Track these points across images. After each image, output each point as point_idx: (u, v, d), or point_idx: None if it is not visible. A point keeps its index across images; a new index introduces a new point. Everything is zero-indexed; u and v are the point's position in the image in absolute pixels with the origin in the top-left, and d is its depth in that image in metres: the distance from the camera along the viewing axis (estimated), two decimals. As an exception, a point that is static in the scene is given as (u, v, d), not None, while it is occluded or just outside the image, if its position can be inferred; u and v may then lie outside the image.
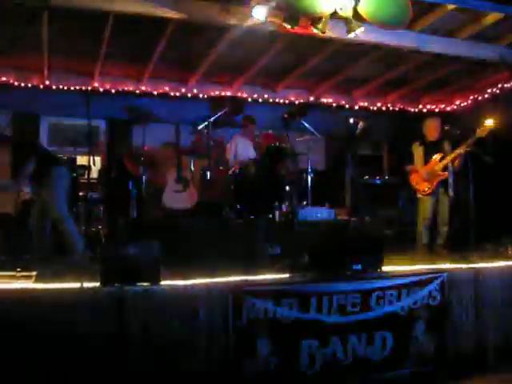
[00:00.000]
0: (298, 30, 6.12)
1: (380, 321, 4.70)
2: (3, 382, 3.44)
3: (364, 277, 4.76)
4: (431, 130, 6.70)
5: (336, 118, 7.17)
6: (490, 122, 6.10)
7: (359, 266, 4.85)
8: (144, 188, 7.05)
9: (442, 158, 6.48)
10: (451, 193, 6.44)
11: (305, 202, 7.23)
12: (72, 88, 8.01)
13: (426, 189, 6.49)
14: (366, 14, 5.95)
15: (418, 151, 6.70)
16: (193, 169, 7.19)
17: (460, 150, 6.25)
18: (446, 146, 6.58)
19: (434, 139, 6.67)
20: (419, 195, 6.60)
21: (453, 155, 6.36)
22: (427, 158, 6.59)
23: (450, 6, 6.05)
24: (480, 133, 6.10)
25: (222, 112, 7.33)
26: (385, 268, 5.03)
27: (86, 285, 4.12)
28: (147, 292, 4.10)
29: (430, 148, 6.64)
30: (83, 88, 8.01)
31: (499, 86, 8.60)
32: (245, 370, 4.21)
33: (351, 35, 6.14)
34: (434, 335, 4.93)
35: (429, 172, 6.51)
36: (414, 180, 6.64)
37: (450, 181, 6.44)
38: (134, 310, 3.98)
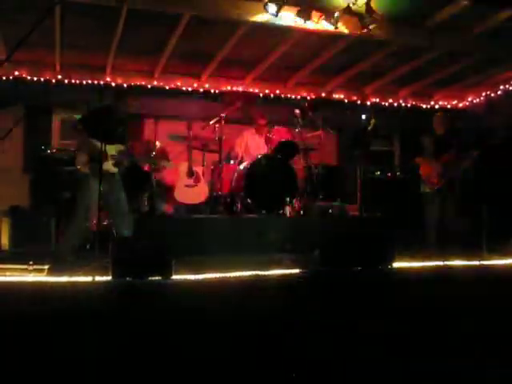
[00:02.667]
0: (310, 25, 6.12)
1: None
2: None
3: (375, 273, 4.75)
4: (438, 124, 6.66)
5: (348, 115, 7.11)
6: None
7: (369, 263, 4.84)
8: (155, 182, 7.04)
9: (453, 155, 6.43)
10: (458, 190, 6.42)
11: (316, 198, 7.23)
12: (84, 82, 8.02)
13: (437, 181, 6.42)
14: (379, 8, 5.93)
15: (428, 144, 6.64)
16: (204, 164, 7.17)
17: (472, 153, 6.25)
18: (457, 143, 6.54)
19: (443, 134, 6.61)
20: (428, 189, 6.51)
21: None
22: (438, 152, 6.54)
23: (464, 2, 5.99)
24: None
25: (233, 107, 7.31)
26: (395, 264, 5.01)
27: (98, 278, 4.13)
28: (159, 286, 4.10)
29: (441, 143, 6.58)
30: (95, 82, 8.00)
31: (512, 82, 8.54)
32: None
33: (364, 30, 6.13)
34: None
35: (440, 166, 6.45)
36: (425, 172, 6.56)
37: (458, 178, 6.42)
38: (145, 305, 3.98)
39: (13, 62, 7.51)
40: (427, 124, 6.82)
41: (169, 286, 4.19)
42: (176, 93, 8.53)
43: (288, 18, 6.05)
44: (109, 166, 5.26)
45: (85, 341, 2.75)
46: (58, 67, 7.84)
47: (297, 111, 6.92)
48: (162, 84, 8.41)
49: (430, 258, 5.52)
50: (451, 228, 6.43)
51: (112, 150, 5.31)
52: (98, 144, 4.97)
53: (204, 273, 4.45)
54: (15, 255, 5.78)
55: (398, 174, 8.54)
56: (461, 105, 9.81)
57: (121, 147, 5.41)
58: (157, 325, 3.23)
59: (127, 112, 5.46)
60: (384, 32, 6.33)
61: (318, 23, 6.07)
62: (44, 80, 7.88)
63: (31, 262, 4.62)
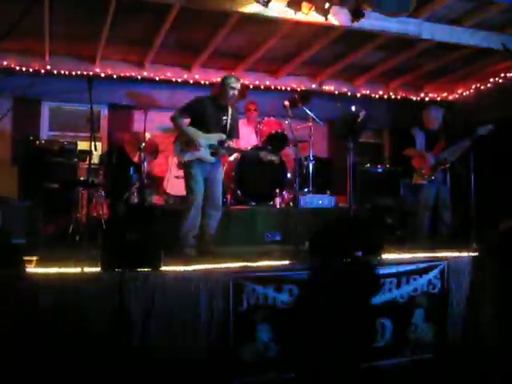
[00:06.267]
0: (300, 16, 6.09)
1: (379, 308, 4.71)
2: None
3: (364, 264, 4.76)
4: (430, 119, 6.64)
5: (338, 106, 7.10)
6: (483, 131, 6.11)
7: (359, 254, 4.84)
8: (145, 174, 7.03)
9: (445, 147, 6.44)
10: (449, 182, 6.43)
11: (306, 190, 7.25)
12: (73, 73, 7.93)
13: (430, 173, 6.42)
14: (370, 0, 5.91)
15: (418, 137, 6.64)
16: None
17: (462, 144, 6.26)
18: (446, 136, 6.55)
19: (434, 128, 6.61)
20: (420, 181, 6.50)
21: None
22: (428, 145, 6.55)
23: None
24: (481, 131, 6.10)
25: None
26: (385, 256, 5.03)
27: (87, 269, 4.12)
28: (148, 278, 4.09)
29: (431, 136, 6.59)
30: (85, 73, 7.93)
31: (502, 75, 8.54)
32: (244, 356, 4.22)
33: (354, 22, 6.11)
34: (433, 323, 4.94)
35: (433, 158, 6.45)
36: (418, 163, 6.55)
37: (449, 169, 6.43)
38: (134, 296, 3.98)
39: (1, 51, 7.43)
40: (418, 116, 6.82)
41: (158, 278, 4.17)
42: (166, 84, 8.47)
43: (278, 8, 6.01)
44: (205, 154, 5.30)
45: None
46: (47, 57, 7.74)
47: (287, 102, 6.90)
48: (151, 75, 8.34)
49: (420, 250, 5.54)
50: (443, 219, 6.45)
51: (211, 139, 5.35)
52: (199, 133, 5.27)
53: (193, 264, 4.44)
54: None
55: (387, 166, 8.55)
56: (451, 97, 9.82)
57: (222, 136, 5.42)
58: (145, 315, 3.22)
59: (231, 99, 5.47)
60: (374, 24, 6.30)
61: (308, 14, 6.04)
62: (33, 70, 7.79)
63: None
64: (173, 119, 5.42)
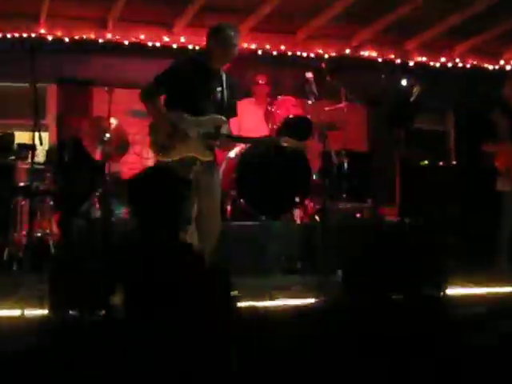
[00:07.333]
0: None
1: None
2: None
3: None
4: None
5: (382, 80, 7.11)
6: None
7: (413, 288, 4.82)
8: (110, 176, 7.03)
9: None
10: None
11: (338, 197, 7.23)
12: (8, 35, 7.96)
13: None
14: None
15: (502, 123, 6.61)
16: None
17: None
18: None
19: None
20: (509, 188, 6.48)
21: None
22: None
23: None
24: None
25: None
26: (450, 291, 5.01)
27: (29, 312, 4.12)
28: (117, 324, 4.09)
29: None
30: (24, 35, 7.96)
31: None
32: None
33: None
34: None
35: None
36: (504, 163, 6.51)
37: None
38: (96, 350, 3.97)
39: None
40: (496, 93, 6.80)
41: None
42: (139, 50, 8.52)
43: None
44: (198, 149, 5.18)
45: None
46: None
47: (310, 75, 6.89)
48: (118, 38, 8.40)
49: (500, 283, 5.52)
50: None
51: (205, 124, 5.21)
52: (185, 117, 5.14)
53: None
54: None
55: (453, 163, 8.54)
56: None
57: (221, 120, 5.25)
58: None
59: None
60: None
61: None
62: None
63: None
64: (143, 98, 5.23)
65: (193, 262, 3.96)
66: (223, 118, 5.25)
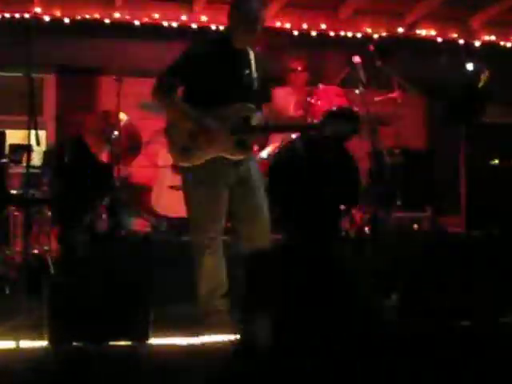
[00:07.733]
0: None
1: None
2: None
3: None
4: None
5: (443, 64, 7.06)
6: None
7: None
8: (119, 182, 7.03)
9: None
10: None
11: (392, 205, 7.16)
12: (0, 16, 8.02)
13: None
14: None
15: None
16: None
17: None
18: None
19: None
20: None
21: None
22: None
23: None
24: None
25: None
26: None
27: (25, 343, 4.09)
28: (127, 356, 4.06)
29: None
30: (17, 16, 7.99)
31: None
32: None
33: None
34: None
35: None
36: None
37: None
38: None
39: None
40: None
41: (143, 356, 4.15)
42: (152, 32, 8.55)
43: None
44: (227, 148, 5.08)
45: None
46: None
47: (357, 59, 6.87)
48: (128, 17, 8.45)
49: None
50: None
51: (233, 116, 5.11)
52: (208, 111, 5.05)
53: (202, 334, 4.49)
54: None
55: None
56: None
57: (249, 108, 5.13)
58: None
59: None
60: None
61: None
62: None
63: None
64: (155, 94, 5.16)
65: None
66: (252, 106, 5.14)
